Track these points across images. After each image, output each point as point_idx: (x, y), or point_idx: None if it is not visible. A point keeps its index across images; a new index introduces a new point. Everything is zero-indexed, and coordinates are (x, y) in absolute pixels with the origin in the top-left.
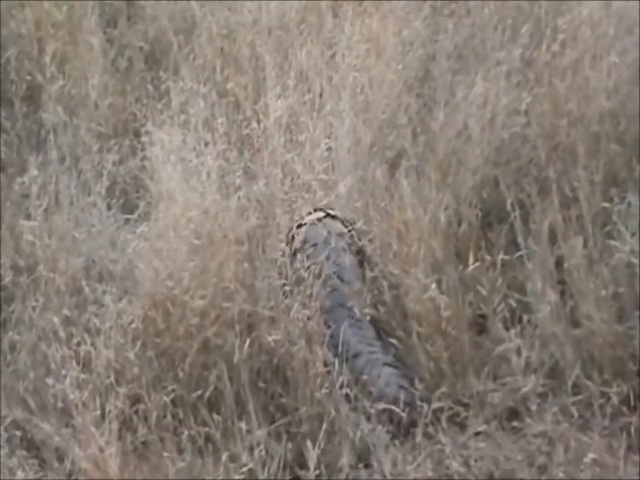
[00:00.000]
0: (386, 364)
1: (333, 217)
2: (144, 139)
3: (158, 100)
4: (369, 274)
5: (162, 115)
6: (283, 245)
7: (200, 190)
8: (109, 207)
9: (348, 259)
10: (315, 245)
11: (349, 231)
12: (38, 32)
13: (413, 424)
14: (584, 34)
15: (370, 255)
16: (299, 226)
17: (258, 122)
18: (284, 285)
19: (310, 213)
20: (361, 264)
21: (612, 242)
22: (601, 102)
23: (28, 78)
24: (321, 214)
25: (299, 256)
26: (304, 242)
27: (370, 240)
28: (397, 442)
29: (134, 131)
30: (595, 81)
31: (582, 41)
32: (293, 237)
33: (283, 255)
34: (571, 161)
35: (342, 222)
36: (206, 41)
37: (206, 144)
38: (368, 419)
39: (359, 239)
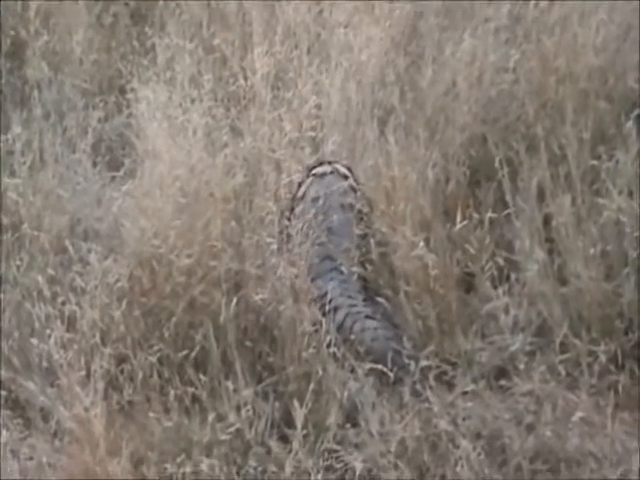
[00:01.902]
0: (368, 317)
1: (340, 173)
2: (130, 96)
3: (144, 56)
4: (358, 232)
5: (148, 72)
6: (271, 203)
7: (186, 147)
8: (94, 164)
9: (342, 217)
10: (311, 201)
11: (353, 189)
12: None
13: (401, 380)
14: None
15: (367, 213)
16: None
17: (245, 78)
18: (271, 243)
19: (317, 166)
20: (359, 222)
21: (600, 200)
22: (589, 59)
23: (12, 34)
24: (327, 169)
25: (294, 212)
26: (301, 198)
27: (359, 198)
28: (384, 401)
29: (119, 88)
30: (583, 38)
31: None
32: (299, 187)
33: (272, 212)
34: (559, 118)
35: (349, 178)
36: None
37: (192, 101)
38: (356, 378)
39: (364, 198)
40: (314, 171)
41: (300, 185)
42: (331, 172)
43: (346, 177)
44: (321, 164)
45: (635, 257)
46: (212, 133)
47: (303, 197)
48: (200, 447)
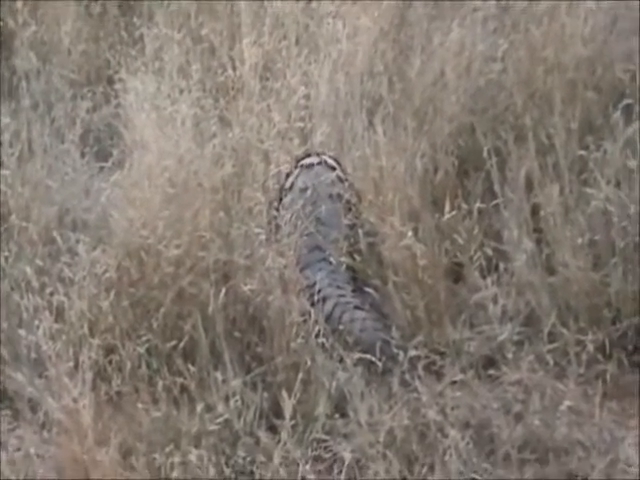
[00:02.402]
0: (357, 307)
1: (327, 164)
2: (118, 86)
3: (132, 47)
4: (346, 222)
5: (136, 62)
6: (259, 194)
7: (175, 138)
8: (83, 155)
9: (331, 207)
10: (299, 192)
11: (340, 179)
12: None
13: (389, 370)
14: None
15: (356, 204)
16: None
17: (233, 69)
18: (260, 234)
19: (305, 157)
20: (348, 213)
21: (588, 190)
22: (577, 49)
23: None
24: (315, 160)
25: (282, 202)
26: (289, 189)
27: (348, 188)
28: (373, 391)
29: (108, 78)
30: (572, 28)
31: None
32: (287, 178)
33: (260, 203)
34: (547, 108)
35: (337, 169)
36: None
37: (181, 91)
38: (344, 368)
39: (352, 188)
40: (302, 162)
41: (288, 176)
42: (319, 163)
43: (334, 168)
44: (309, 155)
45: (622, 247)
46: (200, 123)
47: (291, 188)
48: (189, 437)
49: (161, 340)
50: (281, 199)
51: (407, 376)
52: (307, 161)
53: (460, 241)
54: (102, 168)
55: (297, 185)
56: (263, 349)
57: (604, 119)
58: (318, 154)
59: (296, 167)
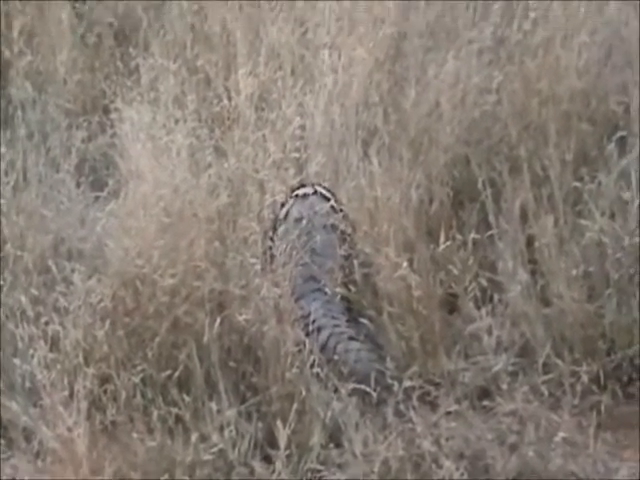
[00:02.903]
0: (351, 338)
1: (322, 195)
2: (113, 116)
3: (127, 77)
4: (341, 253)
5: (132, 92)
6: (254, 224)
7: (170, 168)
8: (78, 184)
9: (326, 238)
10: (293, 222)
11: (335, 210)
12: (5, 6)
13: (384, 401)
14: (555, 13)
15: (351, 234)
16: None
17: (229, 99)
18: (255, 264)
19: (299, 187)
20: (343, 243)
21: (583, 221)
22: (572, 81)
23: None
24: (309, 190)
25: (277, 232)
26: (284, 219)
27: (343, 218)
28: (368, 421)
29: (103, 108)
30: (566, 60)
31: (553, 20)
32: (277, 210)
33: (255, 233)
34: (542, 140)
35: (331, 200)
36: (176, 17)
37: (176, 121)
38: (339, 398)
39: (346, 219)
40: (296, 192)
41: (282, 206)
42: (313, 193)
43: (328, 199)
44: (303, 185)
45: (617, 278)
46: (196, 153)
47: (286, 218)
48: (183, 467)
49: (156, 370)
50: (275, 229)
51: (402, 407)
52: (301, 191)
53: (455, 272)
54: (97, 197)
55: (292, 215)
56: (258, 379)
57: (598, 151)
58: (312, 184)
59: (290, 197)
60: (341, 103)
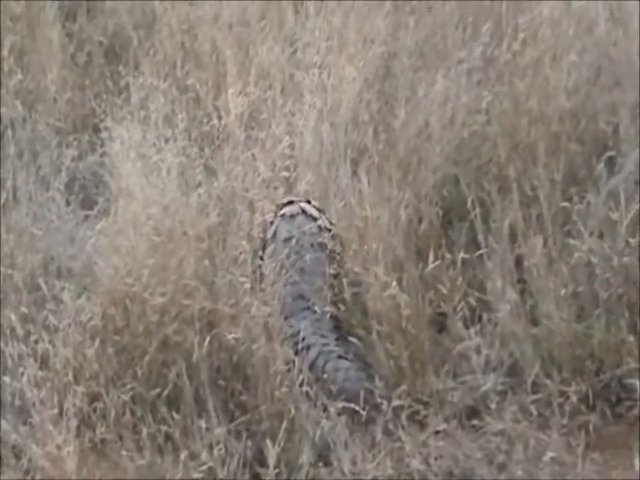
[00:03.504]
0: (340, 356)
1: (309, 214)
2: (103, 135)
3: (117, 95)
4: (330, 272)
5: (122, 111)
6: (244, 242)
7: (160, 186)
8: (68, 203)
9: (315, 256)
10: (283, 242)
11: (323, 229)
12: None
13: (373, 420)
14: (544, 33)
15: (340, 253)
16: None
17: (219, 118)
18: (245, 282)
19: (287, 204)
20: (332, 262)
21: (572, 241)
22: (561, 101)
23: None
24: (296, 210)
25: (266, 251)
26: (272, 238)
27: (332, 237)
28: (357, 440)
29: (93, 127)
30: (555, 80)
31: (542, 40)
32: (268, 227)
33: (245, 252)
34: (531, 160)
35: (319, 218)
36: (166, 36)
37: (166, 140)
38: (328, 417)
39: (335, 238)
40: (283, 211)
41: (269, 225)
42: (302, 212)
43: (315, 218)
44: (290, 202)
45: (606, 298)
46: (186, 172)
47: (273, 237)
48: None
49: (145, 388)
50: (264, 248)
51: (391, 425)
52: (288, 210)
53: (444, 291)
54: (87, 216)
55: (281, 235)
56: (247, 397)
57: (587, 171)
58: (299, 202)
59: (277, 216)
60: (331, 122)
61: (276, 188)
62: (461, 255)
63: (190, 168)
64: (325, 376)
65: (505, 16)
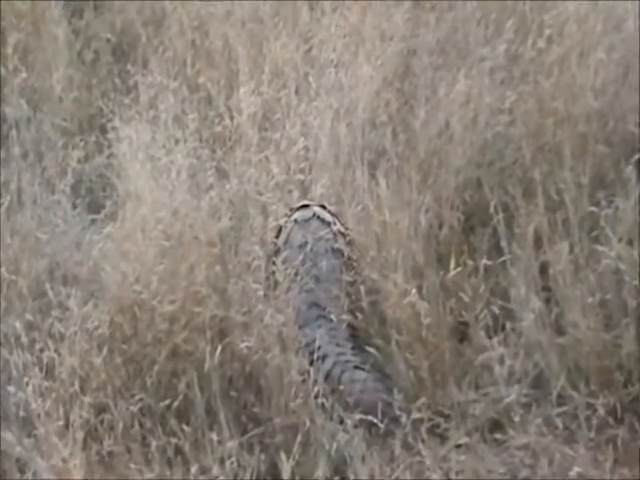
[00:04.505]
0: (357, 367)
1: (322, 219)
2: (111, 135)
3: (126, 95)
4: (347, 279)
5: (130, 110)
6: (257, 248)
7: (170, 189)
8: (74, 206)
9: (330, 263)
10: (296, 248)
11: (337, 234)
12: (0, 22)
13: (391, 433)
14: (571, 30)
15: (356, 260)
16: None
17: (231, 118)
18: (258, 289)
19: (300, 208)
20: (348, 269)
21: (599, 247)
22: (588, 101)
23: None
24: (310, 214)
25: (278, 258)
26: (285, 243)
27: (348, 243)
28: (374, 454)
29: (100, 127)
30: (582, 79)
31: (569, 37)
32: (279, 233)
33: (258, 258)
34: (557, 162)
35: (331, 223)
36: (176, 33)
37: (176, 141)
38: (344, 430)
39: (352, 243)
40: (296, 215)
41: (281, 230)
42: (316, 217)
43: (329, 223)
44: (304, 207)
45: (635, 307)
46: (197, 175)
47: (286, 243)
48: None
49: (155, 399)
50: (277, 253)
51: (410, 439)
52: (302, 215)
53: (466, 299)
54: (94, 220)
55: (295, 240)
56: (260, 409)
57: (616, 174)
58: (312, 206)
59: (289, 221)
60: (347, 123)
61: (290, 191)
62: (483, 262)
63: (201, 170)
64: (341, 387)
65: (529, 12)
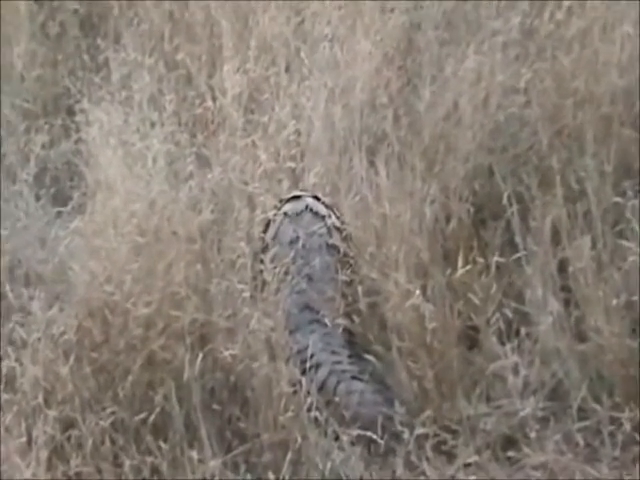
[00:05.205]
0: (354, 377)
1: (316, 212)
2: (79, 118)
3: (95, 73)
4: (343, 278)
5: (100, 90)
6: (243, 244)
7: (145, 178)
8: (37, 198)
9: (324, 261)
10: (286, 244)
11: (332, 229)
12: None
13: (393, 450)
14: (593, 1)
15: (354, 257)
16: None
17: (213, 99)
18: (243, 291)
19: (291, 199)
20: (344, 267)
21: (625, 243)
22: (613, 79)
23: None
24: (302, 206)
25: (266, 255)
26: (273, 238)
27: (344, 238)
28: (374, 474)
29: (67, 109)
30: (606, 55)
31: (591, 8)
32: (267, 227)
33: (244, 255)
34: (577, 148)
35: (326, 216)
36: (152, 4)
37: (152, 125)
38: (340, 447)
39: (349, 239)
40: (287, 208)
41: (269, 224)
42: (309, 209)
43: (323, 216)
44: (295, 198)
45: None
46: (175, 162)
47: (275, 237)
48: None
49: (128, 413)
50: (264, 249)
51: (413, 457)
52: (291, 208)
53: (475, 301)
54: (60, 213)
55: (285, 235)
56: (246, 424)
57: None
58: (303, 197)
59: (279, 214)
60: (343, 104)
61: (280, 181)
62: (495, 259)
63: (180, 157)
64: (337, 399)
65: None
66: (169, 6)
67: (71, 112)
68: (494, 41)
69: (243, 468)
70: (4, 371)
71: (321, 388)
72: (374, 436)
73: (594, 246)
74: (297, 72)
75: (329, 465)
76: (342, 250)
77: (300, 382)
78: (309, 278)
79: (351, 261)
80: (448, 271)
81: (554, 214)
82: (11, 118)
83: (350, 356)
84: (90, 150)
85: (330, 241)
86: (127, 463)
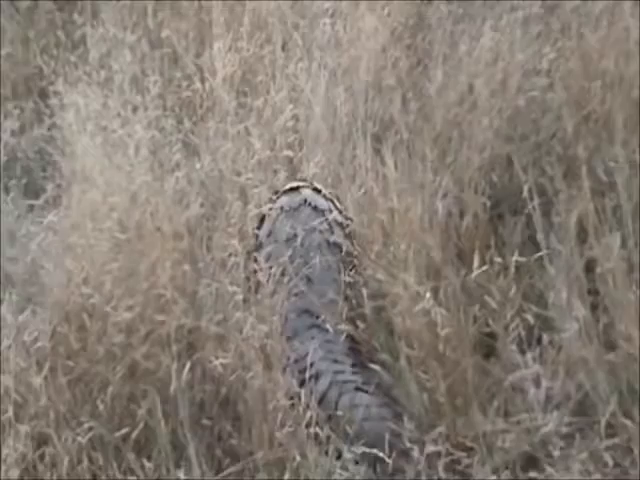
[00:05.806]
0: (359, 388)
1: (316, 206)
2: (53, 101)
3: (71, 51)
4: (346, 279)
5: (77, 71)
6: (235, 242)
7: (126, 169)
8: (7, 190)
9: (325, 260)
10: (283, 241)
11: (334, 224)
12: None
13: (401, 470)
14: None
15: (358, 256)
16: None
17: (202, 81)
18: (235, 293)
19: (288, 192)
20: (347, 267)
21: None
22: None
23: None
24: (300, 200)
25: (261, 254)
26: (268, 235)
27: (347, 235)
28: None
29: (40, 91)
30: (637, 32)
31: None
32: (262, 223)
33: (236, 253)
34: (606, 136)
35: (327, 209)
36: None
37: (134, 109)
38: (343, 467)
39: (352, 236)
40: (283, 201)
41: (264, 219)
42: (308, 203)
43: (324, 210)
44: (293, 190)
45: None
46: (159, 151)
47: (271, 234)
48: None
49: (108, 428)
50: (259, 247)
51: (424, 477)
52: (292, 199)
53: (493, 305)
54: (32, 207)
55: (282, 232)
56: (239, 441)
57: None
58: (300, 188)
59: (274, 208)
60: (346, 87)
61: (276, 171)
62: (515, 258)
63: (165, 145)
64: (339, 413)
65: None
66: None
67: (44, 95)
68: (513, 17)
69: None
70: None
71: (321, 401)
72: (380, 454)
73: (624, 244)
74: (295, 51)
75: None
76: (345, 248)
77: (298, 394)
78: (308, 279)
79: (355, 260)
80: (462, 272)
81: (580, 209)
82: None
83: (354, 365)
84: (65, 137)
85: (331, 238)
86: None
